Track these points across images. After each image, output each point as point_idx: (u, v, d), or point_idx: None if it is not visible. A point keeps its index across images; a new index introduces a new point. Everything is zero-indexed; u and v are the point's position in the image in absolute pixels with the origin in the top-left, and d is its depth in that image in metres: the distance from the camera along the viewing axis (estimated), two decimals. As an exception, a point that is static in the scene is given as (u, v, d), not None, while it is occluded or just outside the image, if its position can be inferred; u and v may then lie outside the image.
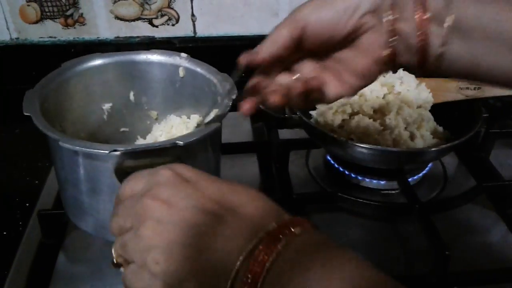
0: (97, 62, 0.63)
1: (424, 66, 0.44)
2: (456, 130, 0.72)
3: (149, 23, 0.93)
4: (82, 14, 0.90)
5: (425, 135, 0.71)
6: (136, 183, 0.38)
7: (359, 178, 0.72)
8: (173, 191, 0.35)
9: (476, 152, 0.79)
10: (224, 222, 0.34)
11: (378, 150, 0.65)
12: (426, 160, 0.72)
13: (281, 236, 0.34)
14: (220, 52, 0.95)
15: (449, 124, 0.75)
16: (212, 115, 0.52)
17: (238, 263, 0.33)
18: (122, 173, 0.45)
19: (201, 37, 0.95)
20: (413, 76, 0.76)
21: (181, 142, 0.47)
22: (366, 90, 0.73)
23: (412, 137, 0.70)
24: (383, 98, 0.74)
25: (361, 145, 0.64)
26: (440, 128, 0.74)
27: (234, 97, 0.54)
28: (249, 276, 0.32)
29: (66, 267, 0.62)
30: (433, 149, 0.68)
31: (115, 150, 0.46)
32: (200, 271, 0.33)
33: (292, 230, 0.34)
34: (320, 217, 0.69)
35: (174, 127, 0.63)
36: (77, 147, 0.46)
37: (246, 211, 0.35)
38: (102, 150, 0.46)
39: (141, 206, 0.35)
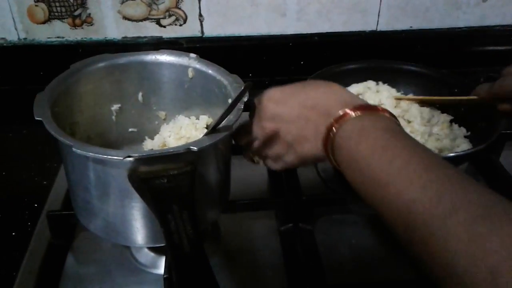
0: (106, 63, 0.63)
1: None
2: (473, 129, 0.72)
3: (156, 23, 0.93)
4: (90, 14, 0.90)
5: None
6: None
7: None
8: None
9: (486, 153, 0.78)
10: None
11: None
12: None
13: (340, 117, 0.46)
14: (227, 52, 0.95)
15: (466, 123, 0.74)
16: (225, 121, 0.51)
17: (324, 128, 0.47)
18: (135, 179, 0.45)
19: (209, 37, 0.95)
20: None
21: (195, 148, 0.47)
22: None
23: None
24: None
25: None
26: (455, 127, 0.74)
27: (246, 99, 0.53)
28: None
29: (75, 268, 0.62)
30: (451, 154, 0.65)
31: (129, 156, 0.45)
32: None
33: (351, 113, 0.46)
34: (329, 219, 0.69)
35: (183, 127, 0.63)
36: (91, 154, 0.46)
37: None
38: (116, 157, 0.45)
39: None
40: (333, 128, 0.46)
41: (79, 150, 0.46)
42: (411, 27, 0.98)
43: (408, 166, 0.39)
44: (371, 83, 0.79)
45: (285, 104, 0.52)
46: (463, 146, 0.70)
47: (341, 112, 0.46)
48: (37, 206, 0.69)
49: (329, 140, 0.47)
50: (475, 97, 0.68)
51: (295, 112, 0.51)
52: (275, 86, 0.55)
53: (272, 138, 0.54)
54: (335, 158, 0.47)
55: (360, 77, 0.80)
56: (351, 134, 0.45)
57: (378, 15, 0.96)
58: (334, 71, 0.80)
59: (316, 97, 0.50)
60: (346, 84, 0.80)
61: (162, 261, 0.60)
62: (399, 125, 0.46)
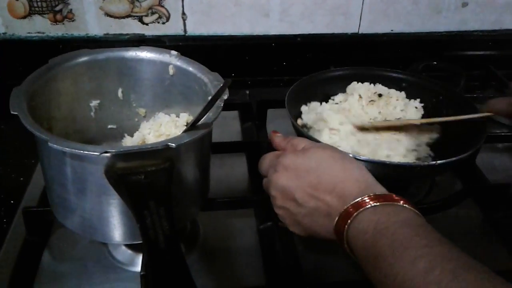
0: (85, 58, 0.62)
1: None
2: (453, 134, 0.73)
3: (139, 21, 0.92)
4: (71, 10, 0.89)
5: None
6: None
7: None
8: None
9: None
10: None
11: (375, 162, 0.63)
12: (418, 175, 0.69)
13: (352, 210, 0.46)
14: (210, 51, 0.95)
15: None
16: (204, 118, 0.51)
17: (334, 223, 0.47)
18: (112, 175, 0.45)
19: (192, 36, 0.95)
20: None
21: (173, 144, 0.47)
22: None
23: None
24: None
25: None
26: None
27: (226, 97, 0.53)
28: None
29: (51, 265, 0.61)
30: (439, 162, 0.63)
31: (106, 152, 0.45)
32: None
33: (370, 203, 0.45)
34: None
35: (163, 125, 0.63)
36: (67, 149, 0.45)
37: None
38: (93, 152, 0.45)
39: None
40: (348, 218, 0.45)
41: (55, 145, 0.46)
42: (392, 30, 0.99)
43: (434, 270, 0.37)
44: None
45: (298, 179, 0.51)
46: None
47: (355, 201, 0.45)
48: (13, 202, 0.69)
49: (343, 229, 0.45)
50: (490, 113, 0.67)
51: (307, 191, 0.50)
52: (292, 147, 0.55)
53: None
54: (350, 247, 0.45)
55: (343, 84, 0.81)
56: (367, 228, 0.43)
57: (360, 18, 0.97)
58: (317, 78, 0.81)
59: (332, 178, 0.49)
60: (330, 90, 0.81)
61: (139, 259, 0.60)
62: (419, 215, 0.44)
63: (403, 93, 0.80)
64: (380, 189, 0.47)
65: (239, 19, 0.94)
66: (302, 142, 0.55)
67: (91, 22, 0.91)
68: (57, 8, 0.89)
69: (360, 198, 0.45)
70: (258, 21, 0.95)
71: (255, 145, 0.80)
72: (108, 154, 0.45)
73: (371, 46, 1.00)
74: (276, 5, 0.93)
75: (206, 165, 0.59)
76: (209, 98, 0.54)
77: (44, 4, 0.88)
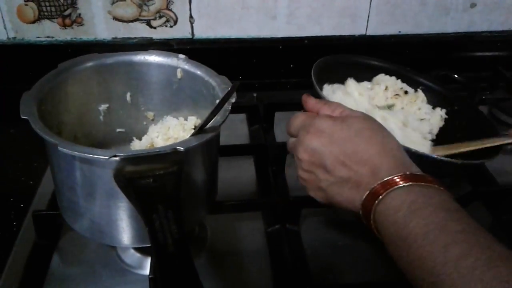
0: (94, 62, 0.63)
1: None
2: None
3: (147, 25, 0.93)
4: (80, 14, 0.90)
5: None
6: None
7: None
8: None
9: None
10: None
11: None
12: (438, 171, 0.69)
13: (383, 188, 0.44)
14: (217, 54, 0.95)
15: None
16: (212, 121, 0.51)
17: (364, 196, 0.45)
18: (121, 178, 0.45)
19: (199, 39, 0.95)
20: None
21: (182, 148, 0.47)
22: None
23: None
24: None
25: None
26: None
27: (233, 101, 0.54)
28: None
29: (60, 268, 0.61)
30: (448, 159, 0.62)
31: (115, 156, 0.45)
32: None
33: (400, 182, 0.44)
34: (316, 220, 0.69)
35: (171, 128, 0.63)
36: (76, 153, 0.46)
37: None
38: (102, 156, 0.45)
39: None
40: (379, 193, 0.44)
41: (65, 149, 0.46)
42: (399, 32, 0.99)
43: (467, 257, 0.36)
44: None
45: (331, 145, 0.49)
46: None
47: (390, 177, 0.44)
48: (23, 206, 0.69)
49: (371, 205, 0.44)
50: None
51: (340, 159, 0.48)
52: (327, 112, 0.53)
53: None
54: (376, 225, 0.44)
55: (367, 73, 0.80)
56: (400, 206, 0.42)
57: (368, 20, 0.97)
58: (344, 59, 0.80)
59: (368, 150, 0.47)
60: (356, 76, 0.79)
61: (148, 262, 0.60)
62: (454, 199, 0.43)
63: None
64: (416, 169, 0.46)
65: (246, 22, 0.94)
66: (340, 107, 0.53)
67: (100, 26, 0.92)
68: (66, 13, 0.89)
69: (396, 176, 0.44)
70: (265, 23, 0.95)
71: (262, 148, 0.80)
72: (117, 158, 0.45)
73: (379, 48, 0.99)
74: (283, 7, 0.93)
75: (214, 168, 0.59)
76: (217, 101, 0.55)
77: (53, 9, 0.89)
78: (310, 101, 0.56)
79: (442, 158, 0.62)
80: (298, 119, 0.54)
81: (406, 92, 0.78)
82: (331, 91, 0.75)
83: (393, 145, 0.48)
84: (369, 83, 0.80)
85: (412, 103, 0.77)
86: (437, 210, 0.40)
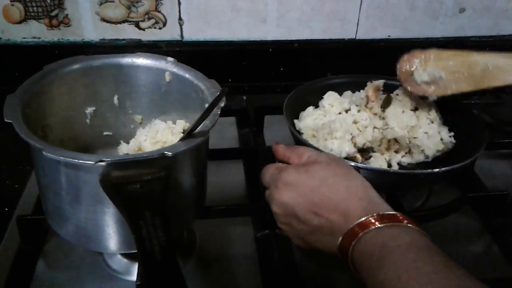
0: (81, 64, 0.62)
1: None
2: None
3: (135, 26, 0.92)
4: (67, 15, 0.89)
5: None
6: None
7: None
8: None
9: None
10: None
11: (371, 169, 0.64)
12: (420, 182, 0.70)
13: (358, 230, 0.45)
14: (207, 57, 0.95)
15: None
16: (201, 125, 0.51)
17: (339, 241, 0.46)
18: (107, 184, 0.44)
19: (188, 41, 0.94)
20: None
21: (170, 153, 0.46)
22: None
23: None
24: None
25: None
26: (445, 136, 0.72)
27: (223, 105, 0.53)
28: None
29: (45, 273, 0.61)
30: (428, 171, 0.64)
31: (101, 161, 0.44)
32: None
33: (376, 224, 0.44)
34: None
35: (159, 132, 0.62)
36: (61, 158, 0.45)
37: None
38: (88, 161, 0.44)
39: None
40: (352, 238, 0.45)
41: (49, 154, 0.45)
42: (389, 36, 0.99)
43: None
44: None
45: (299, 197, 0.50)
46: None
47: (361, 220, 0.45)
48: (7, 210, 0.68)
49: (347, 249, 0.45)
50: None
51: (310, 209, 0.49)
52: (294, 164, 0.54)
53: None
54: (354, 266, 0.45)
55: (339, 92, 0.80)
56: (372, 252, 0.43)
57: (357, 24, 0.97)
58: (313, 86, 0.80)
59: (335, 197, 0.48)
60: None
61: (135, 268, 0.59)
62: (424, 235, 0.44)
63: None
64: (384, 207, 0.47)
65: (236, 24, 0.94)
66: (306, 152, 0.55)
67: (87, 27, 0.90)
68: (53, 13, 0.88)
69: (364, 218, 0.45)
70: (255, 26, 0.94)
71: (252, 151, 0.80)
72: (103, 163, 0.44)
73: (368, 51, 0.99)
74: (273, 10, 0.93)
75: (203, 173, 0.58)
76: (206, 105, 0.54)
77: (39, 9, 0.88)
78: (279, 151, 0.58)
79: (422, 171, 0.65)
80: (268, 173, 0.56)
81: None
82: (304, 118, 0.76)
83: (359, 187, 0.49)
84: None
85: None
86: (407, 251, 0.41)
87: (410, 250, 0.41)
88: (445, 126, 0.73)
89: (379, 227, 0.44)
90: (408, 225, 0.44)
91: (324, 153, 0.55)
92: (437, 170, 0.62)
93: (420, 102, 0.75)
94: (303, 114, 0.76)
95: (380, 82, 0.76)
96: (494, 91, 0.97)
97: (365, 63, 0.97)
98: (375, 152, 0.71)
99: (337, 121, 0.70)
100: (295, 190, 0.50)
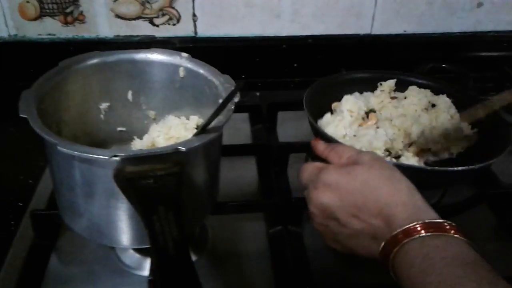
0: (95, 60, 0.62)
1: None
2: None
3: (149, 22, 0.92)
4: (82, 12, 0.89)
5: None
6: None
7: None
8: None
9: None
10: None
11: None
12: (441, 182, 0.68)
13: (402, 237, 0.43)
14: (221, 53, 0.94)
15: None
16: (215, 121, 0.50)
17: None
18: (121, 179, 0.44)
19: (202, 37, 0.94)
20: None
21: (184, 148, 0.46)
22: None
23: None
24: None
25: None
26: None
27: (237, 100, 0.53)
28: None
29: (58, 268, 0.61)
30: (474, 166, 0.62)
31: (115, 156, 0.44)
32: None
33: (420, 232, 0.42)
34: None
35: (173, 128, 0.62)
36: (76, 152, 0.45)
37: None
38: (102, 156, 0.44)
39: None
40: (395, 245, 0.43)
41: (64, 149, 0.45)
42: (405, 31, 0.98)
43: None
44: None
45: (340, 200, 0.48)
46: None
47: (406, 227, 0.43)
48: (21, 205, 0.68)
49: (389, 255, 0.43)
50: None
51: (350, 212, 0.47)
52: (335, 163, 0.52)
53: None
54: (395, 273, 0.43)
55: (358, 87, 0.80)
56: (414, 261, 0.41)
57: (373, 19, 0.96)
58: (333, 81, 0.79)
59: (378, 201, 0.46)
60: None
61: (147, 263, 0.59)
62: (471, 247, 0.41)
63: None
64: (430, 215, 0.44)
65: (250, 20, 0.93)
66: (346, 151, 0.52)
67: (102, 24, 0.91)
68: (68, 10, 0.89)
69: (409, 226, 0.43)
70: (269, 22, 0.94)
71: (265, 148, 0.79)
72: (117, 158, 0.44)
73: (384, 47, 0.98)
74: (287, 6, 0.92)
75: (216, 168, 0.58)
76: (220, 100, 0.54)
77: (55, 6, 0.88)
78: (318, 147, 0.55)
79: (459, 168, 0.62)
80: (306, 172, 0.53)
81: (433, 105, 0.76)
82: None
83: (403, 191, 0.46)
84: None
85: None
86: (451, 265, 0.39)
87: (455, 264, 0.39)
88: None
89: (423, 235, 0.42)
90: (455, 235, 0.42)
91: (366, 153, 0.52)
92: (473, 166, 0.61)
93: (435, 99, 0.74)
94: (321, 122, 0.75)
95: (391, 82, 0.75)
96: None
97: (381, 58, 0.96)
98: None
99: (363, 139, 0.69)
100: (336, 192, 0.48)
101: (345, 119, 0.73)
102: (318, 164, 0.53)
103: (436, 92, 0.78)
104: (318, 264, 0.62)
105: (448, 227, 0.42)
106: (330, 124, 0.73)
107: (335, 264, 0.63)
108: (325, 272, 0.62)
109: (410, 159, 0.68)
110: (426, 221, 0.43)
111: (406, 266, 0.42)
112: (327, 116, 0.76)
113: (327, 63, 0.96)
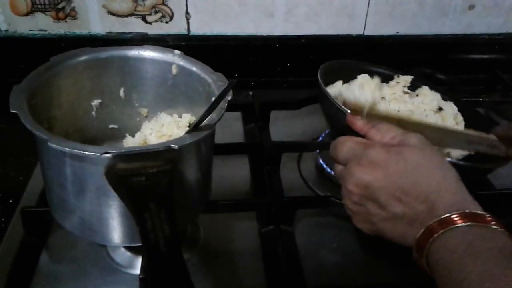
0: (87, 56, 0.61)
1: None
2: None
3: (142, 20, 0.91)
4: (74, 8, 0.88)
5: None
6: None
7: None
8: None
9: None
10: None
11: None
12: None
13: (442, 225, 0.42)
14: (213, 51, 0.94)
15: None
16: (207, 119, 0.50)
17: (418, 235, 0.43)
18: (113, 176, 0.44)
19: (195, 35, 0.94)
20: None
21: (176, 146, 0.46)
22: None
23: None
24: None
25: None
26: None
27: (230, 99, 0.52)
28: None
29: (48, 266, 0.60)
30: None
31: (106, 153, 0.44)
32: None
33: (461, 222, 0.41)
34: (310, 221, 0.68)
35: (165, 125, 0.62)
36: (67, 149, 0.45)
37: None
38: (93, 153, 0.44)
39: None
40: (435, 231, 0.42)
41: (55, 145, 0.45)
42: (397, 32, 0.98)
43: None
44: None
45: (386, 180, 0.46)
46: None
47: (448, 215, 0.42)
48: (11, 202, 0.68)
49: (426, 243, 0.42)
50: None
51: (394, 195, 0.45)
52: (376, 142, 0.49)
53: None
54: (429, 263, 0.42)
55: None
56: (457, 248, 0.40)
57: (365, 20, 0.96)
58: (352, 63, 0.79)
59: (425, 187, 0.44)
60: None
61: (139, 261, 0.59)
62: None
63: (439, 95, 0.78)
64: (475, 207, 0.43)
65: (243, 19, 0.93)
66: (390, 131, 0.49)
67: (94, 21, 0.90)
68: (60, 6, 0.88)
69: (454, 214, 0.42)
70: (263, 21, 0.94)
71: (257, 147, 0.79)
72: (108, 155, 0.44)
73: (376, 48, 0.99)
74: (280, 5, 0.92)
75: (208, 167, 0.58)
76: (213, 98, 0.54)
77: (46, 2, 0.87)
78: (358, 123, 0.53)
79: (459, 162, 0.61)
80: (346, 146, 0.50)
81: (440, 109, 0.75)
82: (345, 88, 0.73)
83: (453, 179, 0.45)
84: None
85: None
86: (497, 256, 0.38)
87: (500, 255, 0.38)
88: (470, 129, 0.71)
89: (469, 224, 0.41)
90: (499, 229, 0.41)
91: (414, 135, 0.48)
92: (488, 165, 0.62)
93: (443, 103, 0.74)
94: (332, 89, 0.74)
95: (408, 78, 0.75)
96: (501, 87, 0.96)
97: (373, 59, 0.96)
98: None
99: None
100: (383, 172, 0.46)
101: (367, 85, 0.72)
102: (360, 139, 0.51)
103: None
104: (310, 264, 0.62)
105: (490, 219, 0.42)
106: (348, 89, 0.72)
107: (327, 264, 0.63)
108: (317, 271, 0.62)
109: None
110: (472, 211, 0.42)
111: (447, 252, 0.40)
112: (339, 83, 0.74)
113: (320, 63, 0.95)
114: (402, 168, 0.45)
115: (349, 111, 0.61)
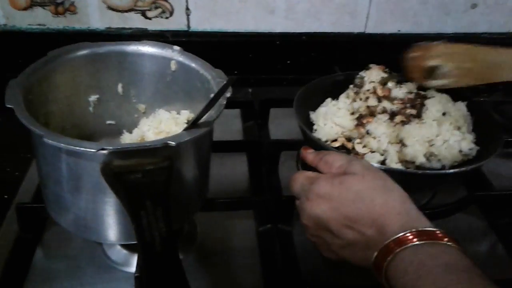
0: (85, 51, 0.61)
1: None
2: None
3: (142, 15, 0.90)
4: (73, 2, 0.88)
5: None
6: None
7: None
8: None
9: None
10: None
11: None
12: (427, 184, 0.67)
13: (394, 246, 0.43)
14: (213, 47, 0.94)
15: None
16: (206, 116, 0.50)
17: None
18: (109, 172, 0.43)
19: (195, 31, 0.93)
20: None
21: (173, 143, 0.45)
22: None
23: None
24: None
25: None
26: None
27: (229, 95, 0.52)
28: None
29: (43, 263, 0.60)
30: (432, 172, 0.63)
31: (102, 149, 0.43)
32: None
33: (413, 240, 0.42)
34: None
35: (163, 122, 0.61)
36: (62, 145, 0.44)
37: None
38: (89, 149, 0.43)
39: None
40: (388, 254, 0.43)
41: (50, 141, 0.44)
42: (399, 30, 0.98)
43: None
44: None
45: (333, 211, 0.48)
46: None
47: (398, 236, 0.43)
48: (6, 197, 0.67)
49: (382, 265, 0.43)
50: None
51: (344, 223, 0.47)
52: (328, 174, 0.51)
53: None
54: (389, 284, 0.43)
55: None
56: (408, 269, 0.41)
57: (367, 17, 0.95)
58: (324, 82, 0.77)
59: (372, 212, 0.46)
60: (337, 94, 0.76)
61: (134, 259, 0.58)
62: (464, 255, 0.42)
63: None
64: (423, 223, 0.44)
65: (243, 15, 0.92)
66: (337, 160, 0.52)
67: (93, 15, 0.89)
68: (59, 0, 0.87)
69: (402, 234, 0.43)
70: (263, 18, 0.93)
71: (256, 144, 0.79)
72: (105, 151, 0.43)
73: (378, 46, 0.98)
74: (281, 2, 0.92)
75: (206, 164, 0.58)
76: (211, 95, 0.53)
77: (45, -4, 0.87)
78: (308, 157, 0.56)
79: (435, 172, 0.62)
80: (297, 182, 0.53)
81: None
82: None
83: (396, 201, 0.47)
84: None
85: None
86: (445, 272, 0.39)
87: (449, 272, 0.39)
88: (472, 134, 0.69)
89: (417, 244, 0.42)
90: (448, 243, 0.42)
91: (357, 162, 0.51)
92: (464, 168, 0.61)
93: (449, 107, 0.71)
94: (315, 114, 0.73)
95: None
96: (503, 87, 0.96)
97: (374, 57, 0.96)
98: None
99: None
100: (328, 203, 0.48)
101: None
102: (309, 173, 0.53)
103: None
104: (307, 263, 0.61)
105: (440, 235, 0.43)
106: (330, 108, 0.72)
107: (324, 263, 0.63)
108: (314, 270, 0.61)
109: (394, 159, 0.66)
110: (420, 229, 0.43)
111: (400, 274, 0.42)
112: (328, 101, 0.74)
113: (321, 61, 0.95)
114: (345, 197, 0.47)
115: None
